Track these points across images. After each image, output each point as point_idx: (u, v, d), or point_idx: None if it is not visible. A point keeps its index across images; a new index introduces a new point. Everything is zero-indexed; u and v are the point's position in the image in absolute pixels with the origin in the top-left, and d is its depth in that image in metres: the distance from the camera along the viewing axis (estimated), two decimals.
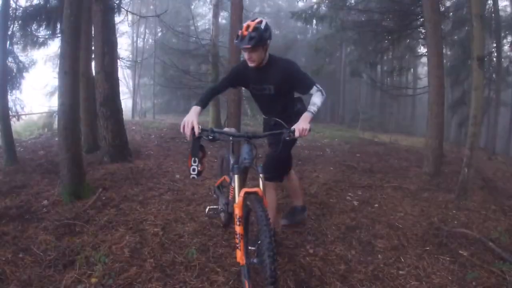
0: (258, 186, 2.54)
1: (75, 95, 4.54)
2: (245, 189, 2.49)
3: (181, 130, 2.52)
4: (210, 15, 23.03)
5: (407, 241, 3.78)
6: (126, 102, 24.54)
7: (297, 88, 3.02)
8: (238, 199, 2.49)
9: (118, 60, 8.26)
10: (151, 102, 24.40)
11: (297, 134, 2.58)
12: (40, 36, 9.12)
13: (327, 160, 7.87)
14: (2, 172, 5.65)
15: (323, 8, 14.02)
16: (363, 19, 14.05)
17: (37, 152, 7.35)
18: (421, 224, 4.28)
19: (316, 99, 2.84)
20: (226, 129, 2.78)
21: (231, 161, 3.16)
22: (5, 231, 3.47)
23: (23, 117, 10.10)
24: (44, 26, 8.32)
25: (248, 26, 2.65)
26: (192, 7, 26.71)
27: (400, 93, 18.65)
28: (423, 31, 11.89)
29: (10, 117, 7.30)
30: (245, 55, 2.80)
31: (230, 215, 3.50)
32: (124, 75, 30.88)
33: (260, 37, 2.65)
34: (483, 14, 6.11)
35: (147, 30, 27.34)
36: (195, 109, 2.64)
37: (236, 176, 2.61)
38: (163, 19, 14.58)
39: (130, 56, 25.54)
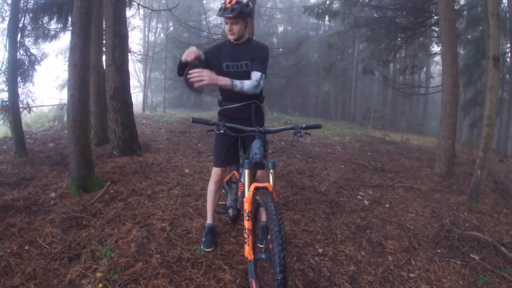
0: (267, 181, 2.52)
1: (85, 87, 4.51)
2: (255, 184, 2.48)
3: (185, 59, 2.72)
4: None
5: (418, 243, 3.72)
6: (137, 95, 24.70)
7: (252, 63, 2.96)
8: (248, 193, 2.49)
9: (129, 54, 8.24)
10: (161, 96, 24.44)
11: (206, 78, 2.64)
12: (51, 29, 9.11)
13: (338, 158, 7.79)
14: (11, 164, 5.66)
15: (336, 4, 13.94)
16: (376, 15, 13.93)
17: (46, 144, 7.36)
18: (432, 225, 4.21)
19: (248, 83, 2.82)
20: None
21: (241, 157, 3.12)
22: (12, 223, 3.47)
23: (34, 109, 10.11)
24: (55, 19, 8.31)
25: (231, 0, 2.77)
26: (204, 1, 26.74)
27: (412, 92, 18.44)
28: (437, 29, 11.75)
29: (21, 109, 7.31)
30: (226, 28, 2.89)
31: (239, 211, 3.51)
32: (135, 68, 31.24)
33: (241, 9, 2.75)
34: (499, 13, 5.99)
35: (158, 25, 27.48)
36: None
37: (246, 171, 2.60)
38: (175, 13, 14.54)
39: (142, 50, 25.66)
